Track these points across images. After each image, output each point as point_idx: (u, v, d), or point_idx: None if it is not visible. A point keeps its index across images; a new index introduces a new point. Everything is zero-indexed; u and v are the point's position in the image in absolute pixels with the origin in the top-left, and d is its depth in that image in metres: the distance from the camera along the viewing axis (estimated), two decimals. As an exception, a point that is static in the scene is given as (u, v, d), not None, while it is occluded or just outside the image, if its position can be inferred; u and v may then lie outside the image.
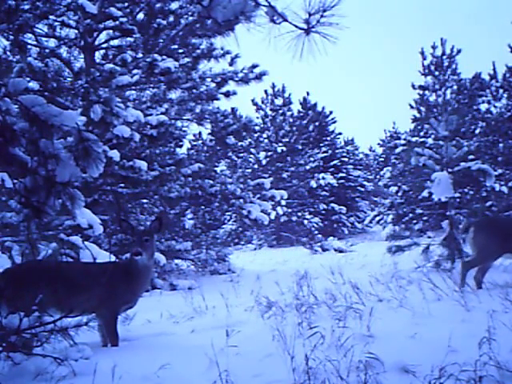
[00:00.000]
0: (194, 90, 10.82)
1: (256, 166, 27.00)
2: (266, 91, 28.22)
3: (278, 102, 28.44)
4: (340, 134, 31.90)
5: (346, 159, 30.64)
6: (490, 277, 5.91)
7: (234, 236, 25.51)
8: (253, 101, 28.30)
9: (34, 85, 7.51)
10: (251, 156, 27.48)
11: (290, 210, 25.43)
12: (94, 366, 3.14)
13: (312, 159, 27.70)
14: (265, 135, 27.77)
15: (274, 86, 28.16)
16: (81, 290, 4.15)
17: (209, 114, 11.30)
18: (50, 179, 3.29)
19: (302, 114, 29.41)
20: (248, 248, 23.85)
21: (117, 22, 9.06)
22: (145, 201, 11.21)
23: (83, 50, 9.82)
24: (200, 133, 25.64)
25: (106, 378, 3.06)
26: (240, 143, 23.26)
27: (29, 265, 4.66)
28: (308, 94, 30.28)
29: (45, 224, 6.37)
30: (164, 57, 9.42)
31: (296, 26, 2.90)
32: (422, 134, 22.75)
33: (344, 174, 29.52)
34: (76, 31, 9.65)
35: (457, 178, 8.78)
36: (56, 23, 9.59)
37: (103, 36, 9.81)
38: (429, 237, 10.25)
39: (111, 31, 9.53)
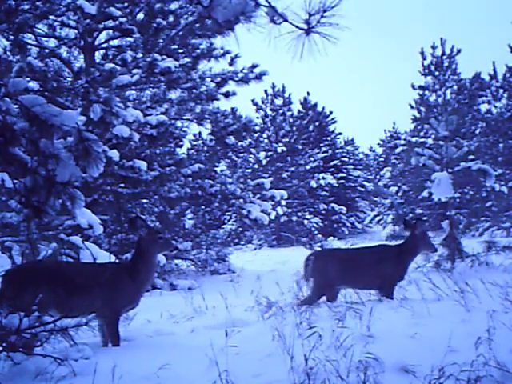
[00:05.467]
0: (194, 90, 10.82)
1: (256, 166, 26.99)
2: (266, 91, 28.21)
3: (278, 101, 28.42)
4: (340, 134, 31.87)
5: (346, 159, 30.62)
6: (490, 277, 5.90)
7: (234, 236, 25.49)
8: (253, 101, 28.29)
9: (33, 85, 7.53)
10: (251, 156, 27.47)
11: (290, 210, 25.41)
12: (94, 366, 3.13)
13: (312, 159, 27.68)
14: (265, 135, 27.76)
15: (274, 86, 28.14)
16: (85, 290, 4.14)
17: (209, 113, 11.30)
18: (50, 179, 3.29)
19: (301, 114, 29.38)
20: (248, 248, 23.81)
21: (116, 22, 9.07)
22: (145, 201, 11.21)
23: (83, 50, 9.82)
24: (200, 133, 25.66)
25: (106, 378, 3.06)
26: (240, 143, 23.27)
27: (30, 265, 4.66)
28: (308, 93, 30.24)
29: (45, 224, 6.38)
30: (164, 57, 9.43)
31: (296, 27, 2.90)
32: (422, 134, 22.75)
33: (344, 174, 29.49)
34: (76, 31, 9.65)
35: (457, 178, 8.78)
36: (56, 23, 9.60)
37: (103, 36, 9.83)
38: (429, 237, 10.18)
39: (111, 31, 9.54)
